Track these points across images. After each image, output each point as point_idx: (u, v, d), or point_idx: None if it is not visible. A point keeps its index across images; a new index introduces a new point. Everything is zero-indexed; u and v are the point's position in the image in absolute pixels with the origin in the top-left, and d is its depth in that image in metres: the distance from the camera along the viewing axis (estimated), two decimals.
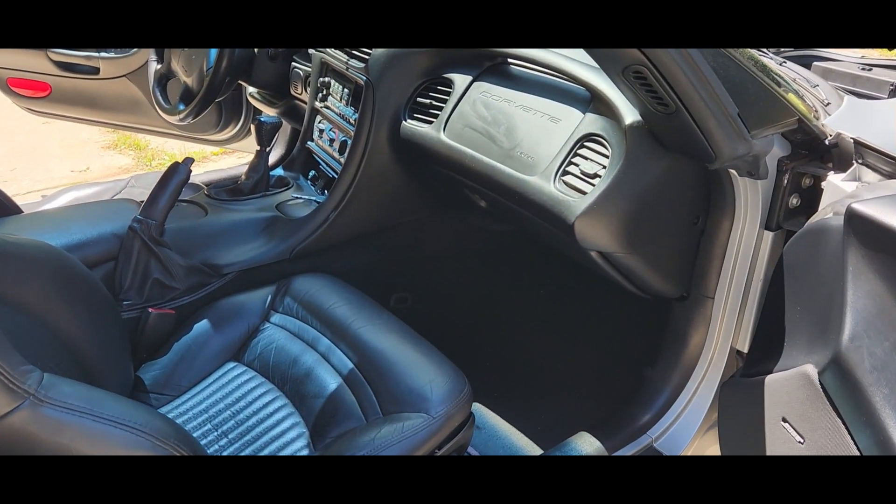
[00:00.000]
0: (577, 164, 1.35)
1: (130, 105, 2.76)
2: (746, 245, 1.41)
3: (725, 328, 1.48)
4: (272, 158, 2.29)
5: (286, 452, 1.33)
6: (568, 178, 1.36)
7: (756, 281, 1.42)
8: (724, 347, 1.48)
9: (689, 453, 1.52)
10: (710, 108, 1.14)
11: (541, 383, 1.92)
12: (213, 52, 1.90)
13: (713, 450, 1.56)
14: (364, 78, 1.69)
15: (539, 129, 1.44)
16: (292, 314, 1.56)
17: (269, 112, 2.23)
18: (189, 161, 1.57)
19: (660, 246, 1.40)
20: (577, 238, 1.32)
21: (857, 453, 0.96)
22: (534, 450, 1.66)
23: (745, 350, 1.47)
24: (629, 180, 1.29)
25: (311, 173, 1.95)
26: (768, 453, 1.13)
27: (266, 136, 1.81)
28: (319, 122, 1.91)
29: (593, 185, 1.31)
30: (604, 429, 1.54)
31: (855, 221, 0.98)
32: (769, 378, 1.16)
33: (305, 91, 2.02)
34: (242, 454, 1.34)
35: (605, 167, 1.31)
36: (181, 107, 1.98)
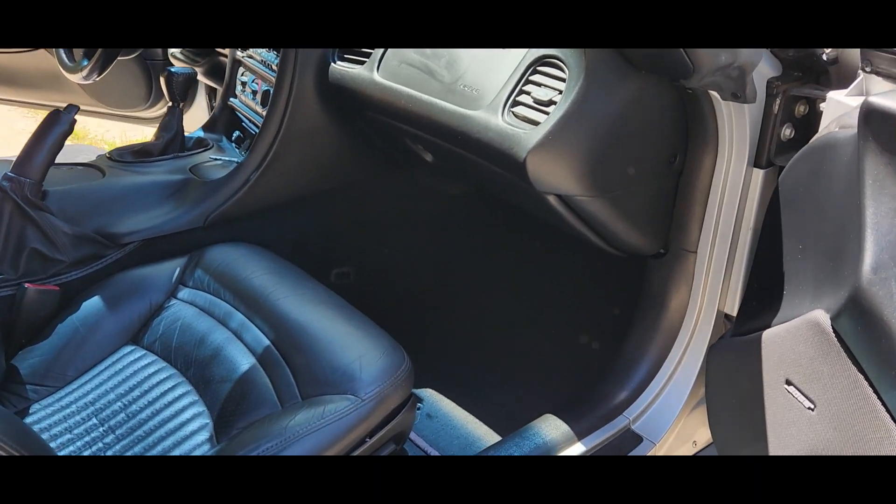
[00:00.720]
0: (528, 93, 1.13)
1: (51, 81, 2.50)
2: (733, 186, 1.19)
3: (711, 287, 1.26)
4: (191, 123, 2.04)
5: (184, 448, 1.10)
6: (518, 110, 1.13)
7: (745, 229, 1.21)
8: (711, 310, 1.27)
9: (673, 436, 1.29)
10: None
11: (504, 364, 1.69)
12: None
13: (702, 432, 1.34)
14: None
15: (486, 57, 1.22)
16: (203, 288, 1.32)
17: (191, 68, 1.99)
18: (73, 109, 1.33)
19: (630, 189, 1.18)
20: (530, 178, 1.10)
21: (886, 415, 0.74)
22: (493, 439, 1.43)
23: (735, 312, 1.25)
24: (590, 106, 1.06)
25: (235, 134, 1.71)
26: (770, 427, 0.91)
27: (178, 88, 1.57)
28: (242, 75, 1.67)
29: (547, 113, 1.09)
30: (572, 410, 1.31)
31: (874, 120, 0.77)
32: (767, 334, 0.94)
33: None
34: (129, 453, 1.10)
35: (561, 92, 1.09)
36: (84, 62, 1.73)
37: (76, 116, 1.36)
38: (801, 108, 1.16)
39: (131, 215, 1.42)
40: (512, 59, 1.18)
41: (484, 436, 1.45)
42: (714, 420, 1.13)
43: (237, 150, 1.69)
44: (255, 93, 1.60)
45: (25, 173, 1.27)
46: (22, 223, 1.27)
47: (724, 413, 1.09)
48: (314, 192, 1.59)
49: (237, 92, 1.69)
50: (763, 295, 1.00)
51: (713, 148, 1.18)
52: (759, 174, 1.17)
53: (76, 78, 1.71)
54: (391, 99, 1.33)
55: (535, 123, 1.10)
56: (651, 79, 1.09)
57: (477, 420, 1.50)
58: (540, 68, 1.14)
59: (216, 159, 1.60)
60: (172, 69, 1.56)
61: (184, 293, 1.33)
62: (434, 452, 1.41)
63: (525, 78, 1.14)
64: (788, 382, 0.87)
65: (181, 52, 1.98)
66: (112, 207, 1.42)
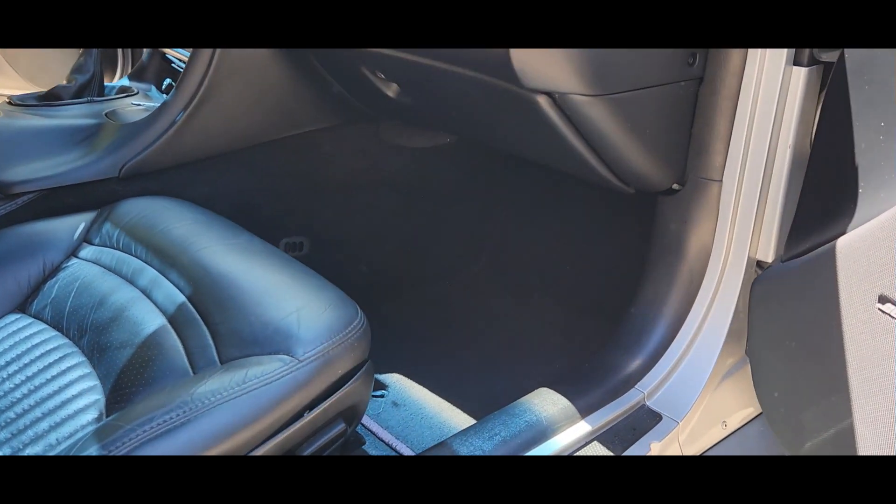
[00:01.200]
0: None
1: None
2: (768, 93, 0.95)
3: (741, 225, 1.01)
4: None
5: (63, 431, 0.83)
6: None
7: (782, 148, 0.97)
8: (741, 255, 1.02)
9: (698, 414, 1.04)
10: None
11: (484, 344, 1.43)
12: None
13: (733, 411, 1.08)
14: None
15: None
16: (111, 244, 1.06)
17: None
18: None
19: (639, 93, 0.93)
20: (515, 70, 0.85)
21: None
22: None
23: (770, 258, 1.01)
24: None
25: (167, 82, 1.46)
26: (856, 366, 0.66)
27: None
28: None
29: None
30: (573, 385, 1.05)
31: None
32: (843, 243, 0.69)
33: None
34: None
35: None
36: None
37: None
38: None
39: (27, 162, 1.16)
40: None
41: (460, 424, 1.18)
42: (762, 379, 0.87)
43: (166, 97, 1.43)
44: None
45: None
46: None
47: (780, 366, 0.83)
48: (256, 143, 1.34)
49: None
50: (828, 200, 0.76)
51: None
52: (800, 74, 0.94)
53: None
54: None
55: None
56: None
57: (453, 408, 1.23)
58: None
59: (139, 105, 1.34)
60: None
61: (87, 251, 1.07)
62: (403, 448, 1.14)
63: None
64: (883, 300, 0.62)
65: None
66: (2, 152, 1.16)
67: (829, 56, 0.93)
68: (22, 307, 1.02)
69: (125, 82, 1.46)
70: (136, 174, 1.22)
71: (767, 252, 1.01)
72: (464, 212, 1.58)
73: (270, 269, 0.95)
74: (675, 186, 1.06)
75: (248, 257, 0.97)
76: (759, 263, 1.03)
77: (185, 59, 1.38)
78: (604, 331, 1.20)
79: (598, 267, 1.48)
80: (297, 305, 0.87)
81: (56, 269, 1.05)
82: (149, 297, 0.95)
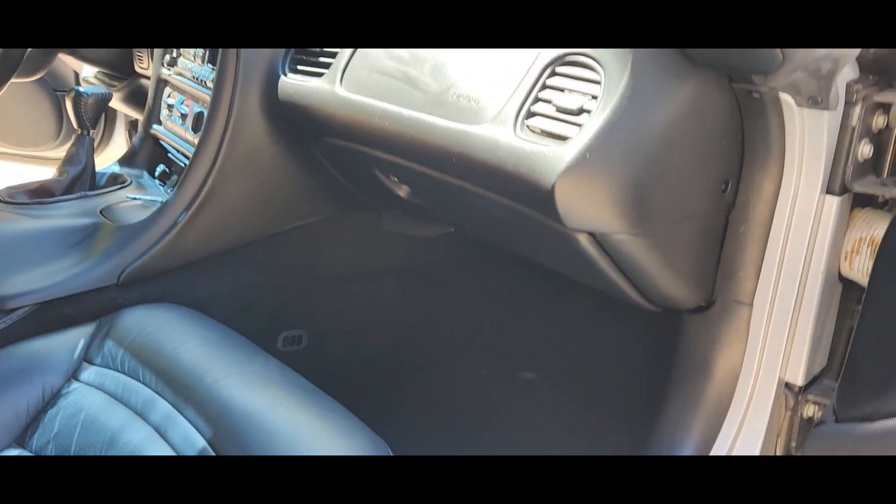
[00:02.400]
0: (548, 101, 0.87)
1: None
2: (801, 219, 0.94)
3: (770, 349, 1.00)
4: (103, 158, 1.73)
5: None
6: (535, 122, 0.86)
7: (814, 274, 0.96)
8: (770, 378, 1.00)
9: None
10: None
11: (490, 438, 1.40)
12: None
13: None
14: None
15: (483, 59, 0.96)
16: (115, 366, 1.00)
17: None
18: None
19: (673, 224, 0.92)
20: (558, 211, 0.83)
21: None
22: None
23: (799, 382, 1.00)
24: (635, 114, 0.81)
25: (160, 168, 1.40)
26: None
27: (88, 112, 1.26)
28: (168, 97, 1.37)
29: (579, 125, 0.82)
30: None
31: None
32: None
33: (151, 60, 1.48)
34: None
35: (595, 97, 0.83)
36: None
37: None
38: (879, 120, 0.93)
39: (21, 272, 1.10)
40: (520, 60, 0.92)
41: None
42: None
43: (162, 187, 1.38)
44: (184, 116, 1.30)
45: None
46: None
47: None
48: (258, 238, 1.29)
49: (162, 117, 1.39)
50: (889, 361, 0.75)
51: (777, 170, 0.93)
52: (832, 202, 0.93)
53: None
54: (359, 117, 1.05)
55: (560, 138, 0.83)
56: (709, 78, 0.84)
57: None
58: (560, 69, 0.88)
59: (134, 199, 1.28)
60: (80, 89, 1.25)
61: (89, 373, 1.01)
62: None
63: (541, 82, 0.88)
64: None
65: (95, 76, 1.66)
66: None
67: (861, 186, 0.93)
68: (21, 440, 0.96)
69: (115, 168, 1.40)
70: (136, 279, 1.16)
71: (797, 375, 1.00)
72: (462, 296, 1.55)
73: (295, 406, 0.90)
74: (707, 301, 1.04)
75: (268, 391, 0.92)
76: (788, 385, 1.01)
77: (178, 146, 1.33)
78: (613, 429, 1.18)
79: (603, 358, 1.46)
80: (330, 449, 0.83)
81: (56, 396, 0.99)
82: (164, 437, 0.89)
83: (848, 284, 1.01)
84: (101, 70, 1.63)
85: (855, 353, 0.85)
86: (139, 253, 1.16)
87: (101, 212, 1.23)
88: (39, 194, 1.24)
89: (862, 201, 0.98)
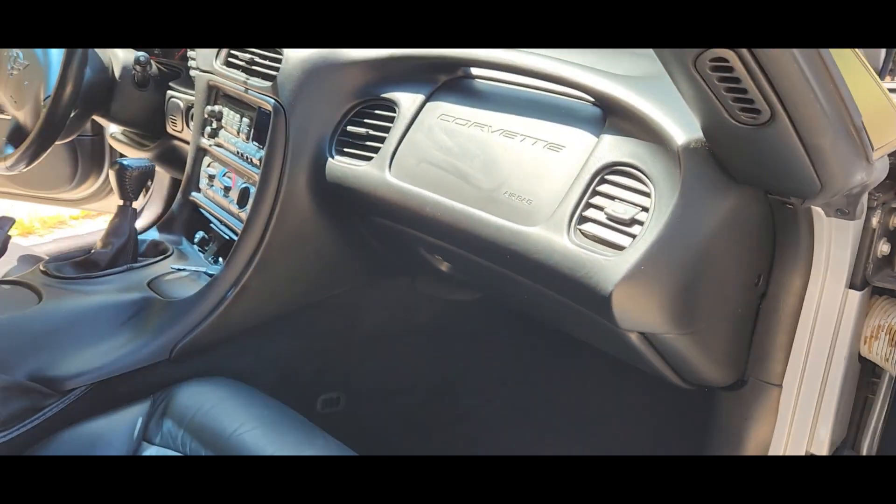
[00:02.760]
0: (599, 207, 0.93)
1: None
2: (827, 311, 1.01)
3: (798, 425, 1.07)
4: (143, 220, 1.76)
5: None
6: (588, 228, 0.92)
7: (838, 359, 1.03)
8: (797, 451, 1.07)
9: None
10: (829, 117, 0.74)
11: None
12: (54, 74, 1.38)
13: None
14: (272, 101, 1.22)
15: (532, 160, 1.01)
16: (175, 447, 1.04)
17: (131, 153, 1.71)
18: (7, 222, 1.04)
19: (713, 319, 0.98)
20: (614, 316, 0.89)
21: None
22: None
23: (824, 452, 1.07)
24: (687, 227, 0.87)
25: (199, 235, 1.44)
26: None
27: (132, 185, 1.29)
28: (208, 166, 1.41)
29: (632, 235, 0.88)
30: None
31: None
32: None
33: (187, 126, 1.52)
34: None
35: (645, 209, 0.89)
36: (8, 149, 1.44)
37: None
38: (895, 221, 1.01)
39: (76, 351, 1.14)
40: (569, 164, 0.98)
41: None
42: None
43: (201, 254, 1.42)
44: (227, 189, 1.34)
45: None
46: None
47: None
48: (300, 308, 1.34)
49: (202, 186, 1.43)
50: None
51: (805, 268, 1.00)
52: (854, 296, 1.00)
53: None
54: (410, 204, 1.11)
55: (615, 246, 0.89)
56: (748, 192, 0.91)
57: None
58: (609, 177, 0.94)
59: (179, 269, 1.32)
60: (124, 161, 1.29)
61: (150, 454, 1.05)
62: None
63: (592, 189, 0.94)
64: None
65: (123, 133, 1.70)
66: (52, 342, 1.13)
67: (880, 280, 1.01)
68: None
69: (155, 235, 1.43)
70: (186, 354, 1.20)
71: (822, 446, 1.06)
72: (496, 361, 1.61)
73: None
74: (739, 380, 1.11)
75: None
76: (813, 457, 1.08)
77: (220, 216, 1.37)
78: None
79: (626, 411, 1.52)
80: None
81: None
82: None
83: (866, 363, 1.08)
84: (127, 129, 1.66)
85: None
86: (190, 328, 1.20)
87: (148, 284, 1.27)
88: (86, 267, 1.28)
89: (880, 291, 1.05)
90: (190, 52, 1.46)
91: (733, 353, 1.07)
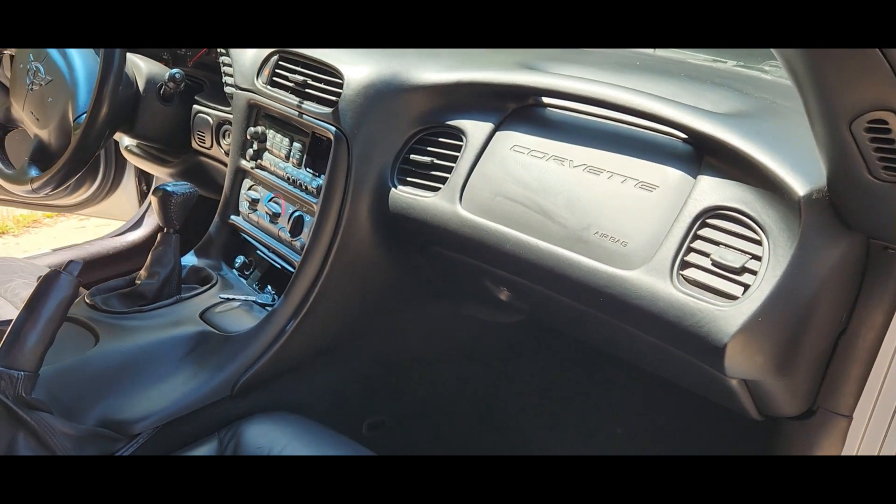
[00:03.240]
0: (704, 253, 0.93)
1: None
2: None
3: (864, 454, 1.10)
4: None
5: None
6: (692, 274, 0.92)
7: None
8: None
9: None
10: None
11: None
12: (83, 92, 1.31)
13: None
14: (333, 129, 1.18)
15: (623, 199, 1.00)
16: None
17: (157, 172, 1.64)
18: (75, 266, 0.99)
19: (807, 360, 1.00)
20: (724, 365, 0.89)
21: None
22: None
23: None
24: (803, 277, 0.88)
25: (239, 260, 1.39)
26: None
27: (176, 211, 1.24)
28: (249, 189, 1.36)
29: (744, 284, 0.89)
30: None
31: None
32: None
33: (217, 143, 1.47)
34: None
35: (757, 258, 0.89)
36: (34, 172, 1.37)
37: None
38: None
39: (141, 392, 1.09)
40: (665, 205, 0.97)
41: None
42: None
43: (244, 280, 1.37)
44: (275, 215, 1.29)
45: (18, 364, 0.91)
46: (12, 432, 0.91)
47: None
48: (353, 335, 1.31)
49: (242, 209, 1.37)
50: None
51: (890, 306, 1.02)
52: None
53: (19, 190, 1.35)
54: (487, 240, 1.09)
55: (726, 296, 0.89)
56: (856, 238, 0.92)
57: None
58: (712, 221, 0.93)
59: (228, 299, 1.28)
60: (167, 187, 1.23)
61: None
62: None
63: (693, 233, 0.94)
64: None
65: (139, 147, 1.62)
66: (115, 385, 1.08)
67: None
68: None
69: (193, 260, 1.38)
70: (248, 389, 1.17)
71: None
72: (533, 370, 1.60)
73: None
74: (808, 409, 1.13)
75: None
76: None
77: (267, 243, 1.32)
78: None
79: (668, 422, 1.54)
80: None
81: None
82: None
83: None
84: (149, 144, 1.58)
85: None
86: (251, 363, 1.17)
87: (200, 317, 1.22)
88: (133, 300, 1.22)
89: None
90: (225, 68, 1.40)
91: (808, 386, 1.09)
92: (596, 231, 1.00)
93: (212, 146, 1.48)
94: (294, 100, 1.25)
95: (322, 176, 1.21)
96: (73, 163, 1.29)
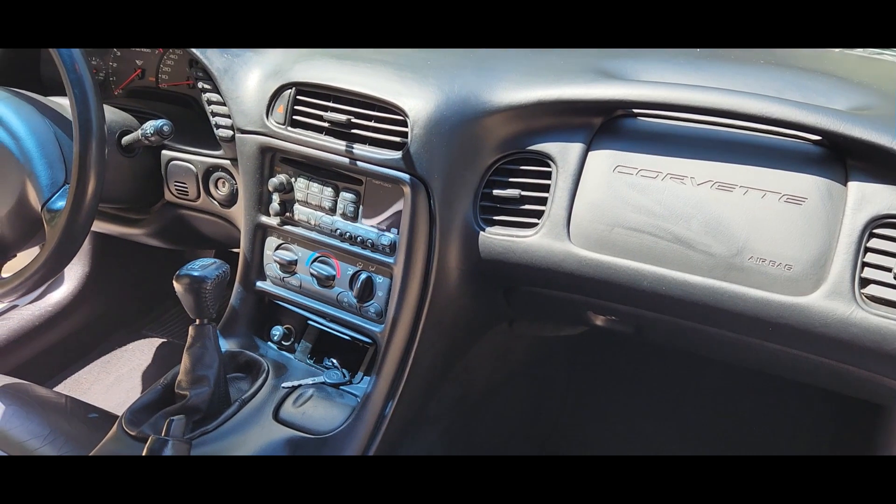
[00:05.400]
0: (883, 268, 0.87)
1: None
2: None
3: None
4: None
5: None
6: (874, 291, 0.87)
7: None
8: None
9: None
10: None
11: None
12: (39, 163, 1.05)
13: None
14: (406, 176, 1.00)
15: (770, 216, 0.92)
16: None
17: (123, 234, 1.36)
18: (178, 426, 0.77)
19: None
20: None
21: None
22: None
23: None
24: None
25: (278, 331, 1.18)
26: None
27: (211, 299, 1.00)
28: (279, 249, 1.14)
29: None
30: None
31: None
32: None
33: (208, 194, 1.22)
34: None
35: None
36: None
37: None
38: None
39: None
40: (818, 220, 0.90)
41: None
42: None
43: (291, 356, 1.16)
44: (328, 278, 1.09)
45: None
46: None
47: None
48: (436, 392, 1.16)
49: (271, 272, 1.15)
50: None
51: None
52: None
53: None
54: (615, 279, 0.98)
55: None
56: None
57: None
58: (882, 231, 0.88)
59: (293, 387, 1.08)
60: (195, 272, 0.99)
61: None
62: None
63: (863, 246, 0.88)
64: None
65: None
66: None
67: None
68: None
69: (223, 343, 1.14)
70: None
71: None
72: (601, 380, 1.53)
73: None
74: None
75: None
76: None
77: (318, 309, 1.12)
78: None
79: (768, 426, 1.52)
80: None
81: None
82: None
83: None
84: (110, 205, 1.29)
85: None
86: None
87: (276, 419, 1.02)
88: (190, 414, 1.00)
89: None
90: (214, 106, 1.15)
91: None
92: (750, 256, 0.92)
93: (198, 197, 1.23)
94: (335, 143, 1.04)
95: (393, 230, 1.03)
96: (57, 258, 1.02)
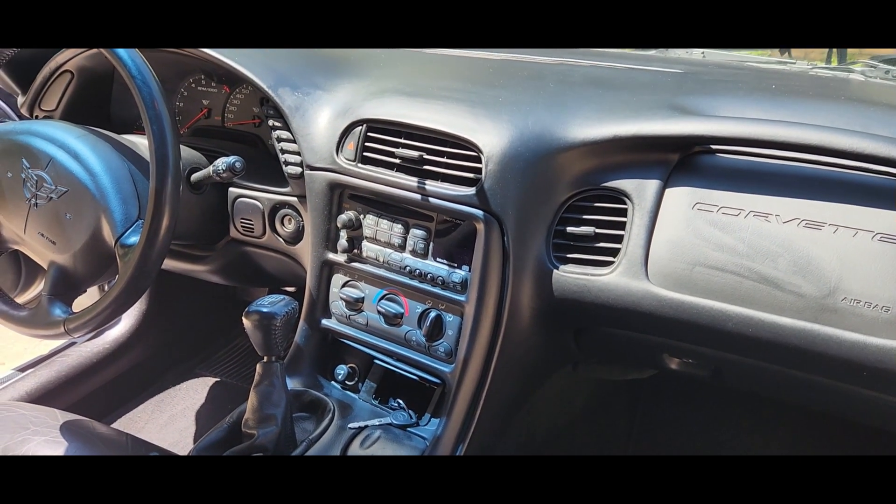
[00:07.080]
0: None
1: None
2: None
3: None
4: None
5: None
6: None
7: None
8: None
9: None
10: None
11: None
12: (114, 199, 1.05)
13: None
14: (480, 213, 0.98)
15: (865, 255, 0.88)
16: None
17: (187, 272, 1.36)
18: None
19: None
20: None
21: None
22: None
23: None
24: None
25: (342, 371, 1.16)
26: None
27: (279, 336, 0.99)
28: (345, 287, 1.13)
29: None
30: None
31: None
32: None
33: (273, 231, 1.22)
34: None
35: None
36: (58, 311, 1.08)
37: None
38: None
39: None
40: None
41: None
42: None
43: (355, 396, 1.14)
44: (396, 316, 1.07)
45: None
46: None
47: None
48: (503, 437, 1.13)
49: (337, 310, 1.14)
50: None
51: None
52: None
53: (44, 335, 1.07)
54: (697, 320, 0.94)
55: None
56: None
57: None
58: None
59: (360, 428, 1.05)
60: (264, 308, 0.98)
61: None
62: None
63: None
64: None
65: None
66: None
67: None
68: None
69: (288, 383, 1.13)
70: None
71: None
72: (641, 425, 1.48)
73: None
74: None
75: None
76: None
77: (384, 347, 1.10)
78: None
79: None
80: None
81: None
82: None
83: None
84: (177, 242, 1.29)
85: None
86: None
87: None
88: (257, 454, 0.98)
89: None
90: (284, 144, 1.15)
91: None
92: (844, 297, 0.88)
93: (264, 234, 1.23)
94: (406, 179, 1.03)
95: (464, 267, 1.01)
96: (128, 294, 1.01)
